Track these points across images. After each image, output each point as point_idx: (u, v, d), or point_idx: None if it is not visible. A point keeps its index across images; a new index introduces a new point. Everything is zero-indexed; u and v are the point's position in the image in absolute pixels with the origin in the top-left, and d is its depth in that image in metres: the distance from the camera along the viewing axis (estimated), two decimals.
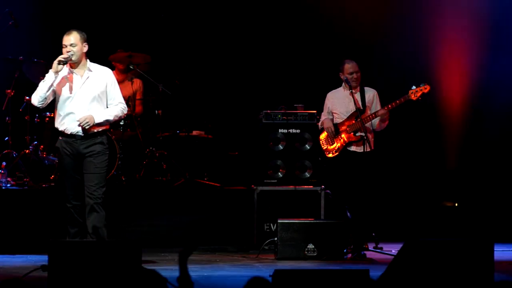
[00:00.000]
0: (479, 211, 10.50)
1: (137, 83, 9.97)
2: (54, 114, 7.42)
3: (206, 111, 10.49)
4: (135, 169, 9.51)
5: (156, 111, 9.82)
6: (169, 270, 7.35)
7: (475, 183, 10.75)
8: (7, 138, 9.42)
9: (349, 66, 8.63)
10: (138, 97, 9.95)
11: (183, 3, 10.96)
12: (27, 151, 9.30)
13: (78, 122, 7.17)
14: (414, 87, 8.49)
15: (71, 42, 7.21)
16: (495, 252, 5.84)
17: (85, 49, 7.29)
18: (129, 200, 8.95)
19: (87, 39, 7.28)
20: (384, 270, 5.61)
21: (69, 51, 7.18)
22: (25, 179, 9.15)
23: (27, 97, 9.40)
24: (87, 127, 7.17)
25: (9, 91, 9.42)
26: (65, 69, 7.24)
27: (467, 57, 10.93)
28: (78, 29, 7.32)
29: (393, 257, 5.98)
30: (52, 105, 8.69)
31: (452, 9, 10.91)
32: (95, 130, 7.25)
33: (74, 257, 5.32)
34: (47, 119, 9.36)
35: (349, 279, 4.97)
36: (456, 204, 10.45)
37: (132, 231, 8.79)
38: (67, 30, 7.18)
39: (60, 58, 7.16)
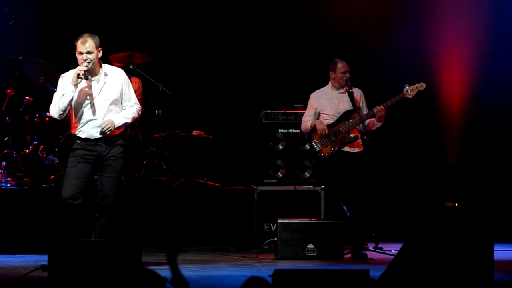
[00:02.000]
0: (479, 211, 10.50)
1: (136, 82, 9.95)
2: (71, 120, 7.28)
3: (206, 111, 10.50)
4: (135, 169, 9.51)
5: (156, 111, 9.82)
6: (169, 270, 7.35)
7: (475, 183, 10.75)
8: (7, 138, 9.41)
9: (341, 65, 8.57)
10: (137, 96, 9.91)
11: (183, 2, 10.97)
12: (27, 151, 9.30)
13: (99, 128, 7.10)
14: (408, 85, 8.46)
15: (88, 50, 7.06)
16: (495, 252, 5.85)
17: (100, 54, 7.19)
18: (129, 200, 8.94)
19: (100, 44, 7.18)
20: (384, 270, 5.61)
21: (86, 59, 7.04)
22: (25, 179, 9.14)
23: (27, 97, 9.41)
24: (108, 132, 7.11)
25: (9, 91, 9.42)
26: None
27: (466, 55, 10.94)
28: (87, 30, 7.19)
29: (393, 257, 5.98)
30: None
31: (452, 7, 10.93)
32: (115, 133, 7.21)
33: (74, 257, 5.32)
34: (47, 119, 9.35)
35: (349, 279, 4.97)
36: (456, 204, 10.45)
37: (132, 231, 8.78)
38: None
39: (79, 71, 7.00)
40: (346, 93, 8.54)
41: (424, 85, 8.45)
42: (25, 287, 4.40)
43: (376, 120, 8.53)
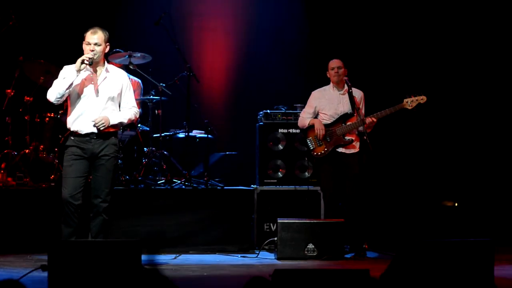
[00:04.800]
0: (479, 211, 10.50)
1: (134, 83, 9.96)
2: (67, 113, 7.28)
3: (206, 111, 10.49)
4: (135, 169, 9.51)
5: (156, 111, 9.81)
6: (169, 270, 7.36)
7: (475, 183, 10.75)
8: (7, 138, 9.40)
9: (331, 62, 8.65)
10: (135, 97, 9.92)
11: (183, 2, 10.97)
12: (27, 151, 9.30)
13: (93, 122, 7.09)
14: (408, 96, 8.47)
15: (96, 41, 7.10)
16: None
17: (107, 49, 7.22)
18: (129, 200, 8.94)
19: (108, 39, 7.22)
20: (384, 270, 5.61)
21: (93, 50, 7.07)
22: (25, 179, 9.13)
23: (27, 97, 9.40)
24: (102, 128, 7.09)
25: (9, 91, 9.42)
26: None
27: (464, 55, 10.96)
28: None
29: (393, 257, 5.98)
30: (51, 105, 8.70)
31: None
32: (109, 131, 7.20)
33: (74, 257, 5.32)
34: (47, 119, 9.35)
35: (349, 279, 4.97)
36: (456, 204, 10.45)
37: (132, 231, 8.78)
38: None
39: (84, 57, 7.03)
40: (347, 94, 8.56)
41: (424, 98, 8.48)
42: None
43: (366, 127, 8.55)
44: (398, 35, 10.87)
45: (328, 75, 8.68)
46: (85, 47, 7.15)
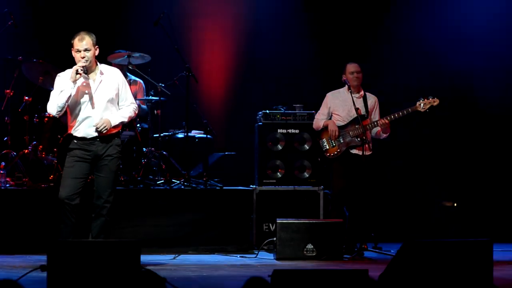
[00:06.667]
0: (479, 211, 10.50)
1: (137, 84, 9.98)
2: (67, 118, 7.30)
3: (205, 111, 10.49)
4: (134, 169, 9.50)
5: (155, 111, 9.81)
6: (168, 270, 7.36)
7: (475, 183, 10.75)
8: (6, 138, 9.40)
9: (350, 66, 8.74)
10: (138, 97, 9.93)
11: (182, 3, 10.96)
12: (26, 151, 9.29)
13: (95, 127, 7.10)
14: (422, 99, 8.52)
15: (85, 47, 7.08)
16: (494, 252, 5.86)
17: (97, 52, 7.21)
18: (128, 200, 8.94)
19: (96, 42, 7.20)
20: (383, 270, 5.61)
21: (84, 57, 7.06)
22: (24, 179, 9.13)
23: (26, 97, 9.40)
24: (104, 131, 7.11)
25: (8, 91, 9.41)
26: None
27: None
28: (85, 30, 7.18)
29: (392, 257, 5.98)
30: None
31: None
32: (112, 132, 7.21)
33: (73, 257, 5.32)
34: (46, 119, 9.34)
35: (348, 279, 4.98)
36: (456, 204, 10.45)
37: (131, 231, 8.78)
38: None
39: (77, 67, 7.02)
40: (362, 99, 8.62)
41: (437, 100, 8.55)
42: None
43: (381, 131, 8.62)
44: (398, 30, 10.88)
45: (344, 77, 8.72)
46: (75, 55, 7.15)
